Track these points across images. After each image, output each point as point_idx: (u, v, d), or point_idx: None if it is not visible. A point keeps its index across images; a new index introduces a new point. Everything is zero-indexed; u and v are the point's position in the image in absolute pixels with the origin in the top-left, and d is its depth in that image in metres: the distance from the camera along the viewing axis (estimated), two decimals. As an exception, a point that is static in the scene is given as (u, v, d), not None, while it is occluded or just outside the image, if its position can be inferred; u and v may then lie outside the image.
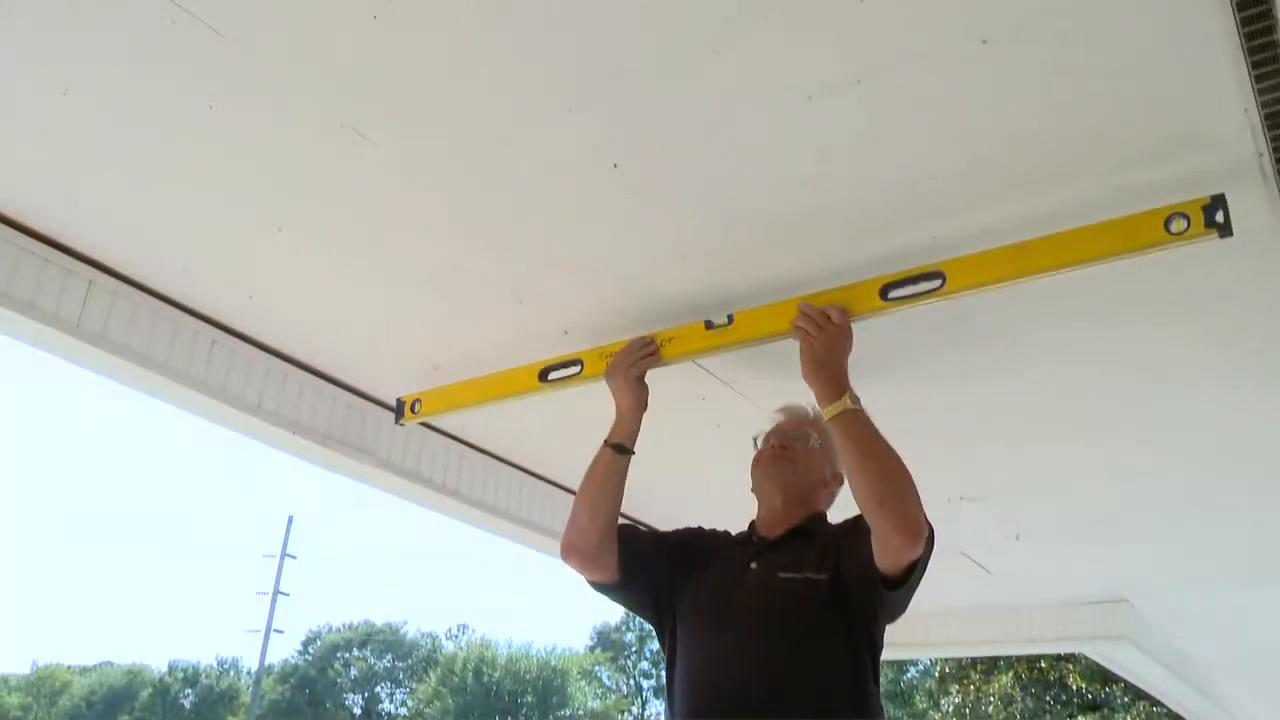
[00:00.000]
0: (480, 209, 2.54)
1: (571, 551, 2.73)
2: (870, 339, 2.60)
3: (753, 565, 2.59)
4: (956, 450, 3.68)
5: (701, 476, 3.96)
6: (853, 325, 2.56)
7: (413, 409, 3.46)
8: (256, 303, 3.09)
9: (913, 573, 2.37)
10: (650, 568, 2.75)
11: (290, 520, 44.41)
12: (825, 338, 2.51)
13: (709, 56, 2.01)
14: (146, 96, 2.26)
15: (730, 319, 2.78)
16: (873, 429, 2.40)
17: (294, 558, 42.33)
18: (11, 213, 2.73)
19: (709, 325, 2.80)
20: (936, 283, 2.46)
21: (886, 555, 2.34)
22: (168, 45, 2.08)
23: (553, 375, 3.06)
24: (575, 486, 2.80)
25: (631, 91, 2.12)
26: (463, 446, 4.01)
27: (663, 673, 2.71)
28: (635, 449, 2.78)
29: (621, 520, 2.78)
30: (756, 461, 2.79)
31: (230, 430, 3.53)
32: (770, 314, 2.71)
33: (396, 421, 3.51)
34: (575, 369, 3.02)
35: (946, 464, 3.75)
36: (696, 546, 2.77)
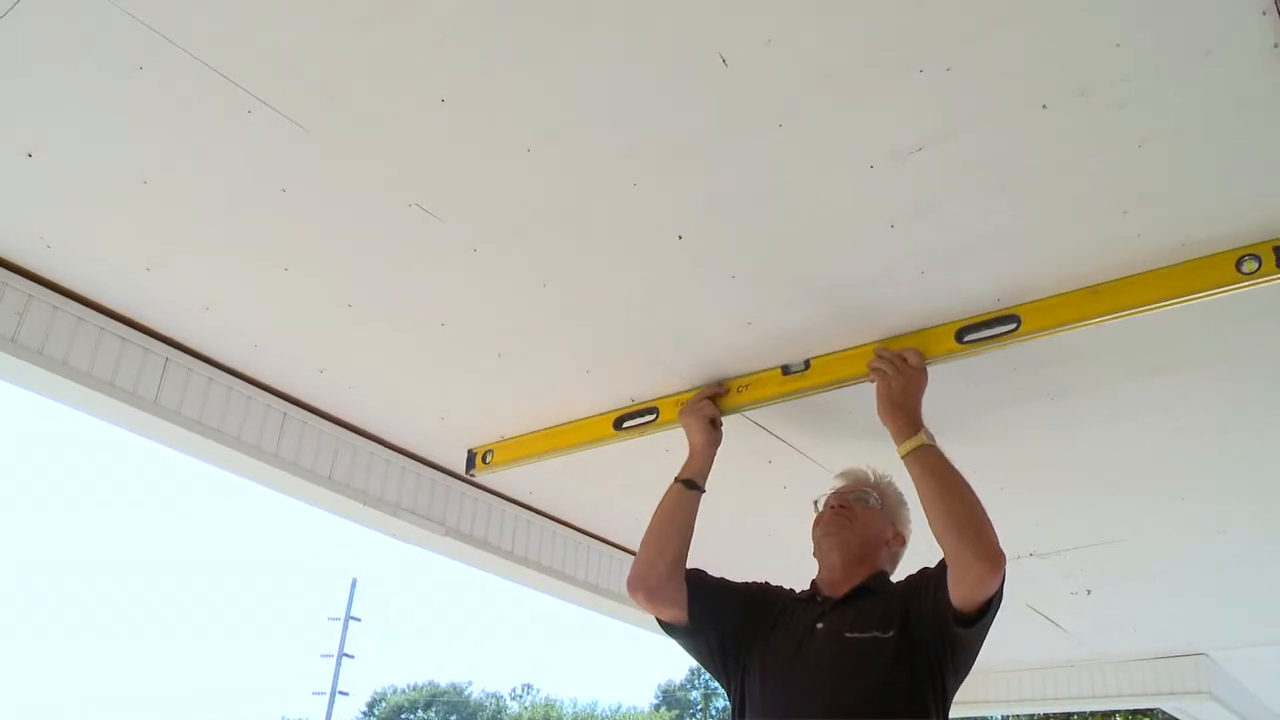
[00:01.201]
0: (545, 283, 2.58)
1: (638, 585, 2.74)
2: (940, 395, 2.60)
3: (819, 625, 2.57)
4: (1026, 506, 3.63)
5: (768, 537, 3.95)
6: (929, 369, 2.59)
7: (484, 459, 3.45)
8: (327, 377, 3.15)
9: (987, 610, 2.36)
10: (719, 613, 2.74)
11: (354, 583, 44.71)
12: (902, 379, 2.54)
13: (773, 130, 2.04)
14: (221, 182, 2.33)
15: (807, 364, 2.80)
16: (948, 463, 2.43)
17: (358, 620, 42.41)
18: (92, 294, 2.83)
19: (786, 371, 2.82)
20: (1012, 325, 2.49)
21: (964, 587, 2.33)
22: (243, 133, 2.16)
23: (627, 424, 3.08)
24: (638, 548, 2.82)
25: (697, 164, 2.16)
26: (529, 512, 4.03)
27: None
28: (706, 488, 2.80)
29: (692, 566, 2.78)
30: (816, 522, 2.80)
31: (302, 502, 3.58)
32: (847, 359, 2.74)
33: (467, 471, 3.50)
34: (650, 417, 3.04)
35: (1016, 520, 3.69)
36: (765, 601, 2.76)
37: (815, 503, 2.85)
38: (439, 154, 2.19)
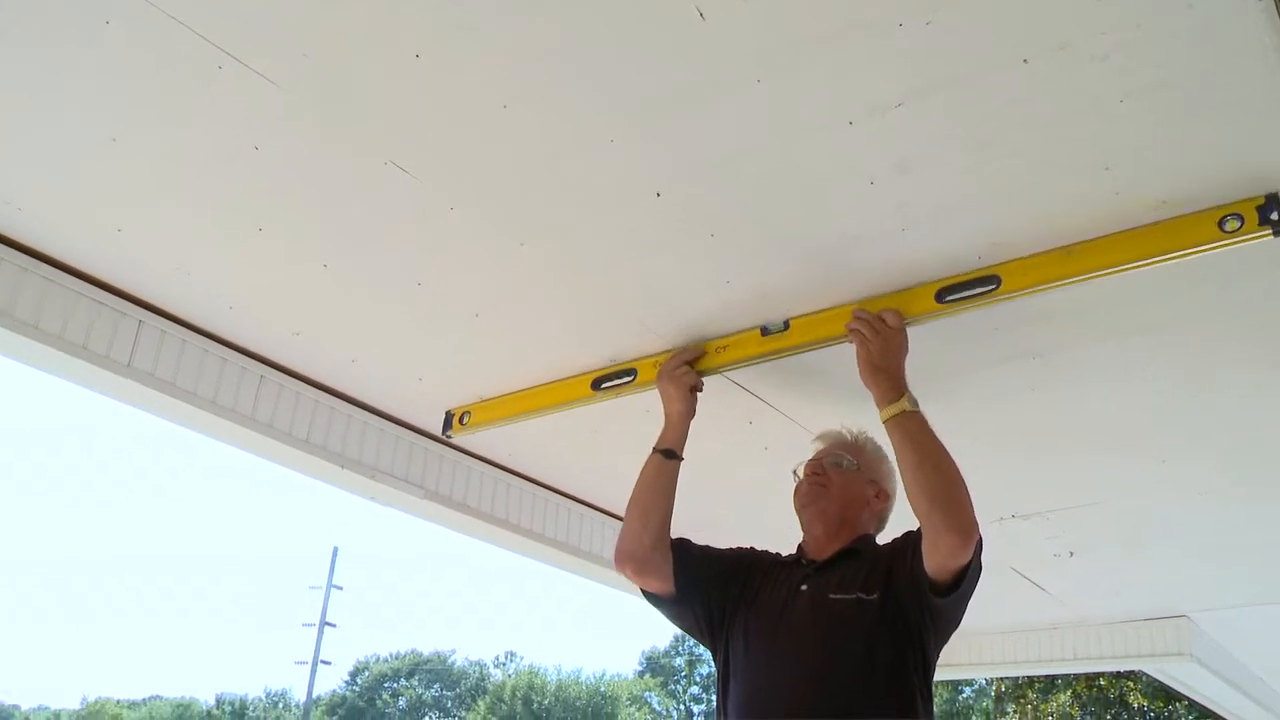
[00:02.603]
0: (523, 242, 2.57)
1: (625, 559, 2.77)
2: (921, 355, 2.60)
3: (803, 587, 2.60)
4: (1008, 467, 3.66)
5: (749, 499, 3.96)
6: (909, 330, 2.59)
7: (461, 420, 3.45)
8: (303, 339, 3.14)
9: (963, 579, 2.39)
10: (706, 582, 2.77)
11: (335, 551, 44.79)
12: (881, 341, 2.53)
13: (750, 85, 2.04)
14: (192, 141, 2.32)
15: (786, 325, 2.79)
16: (930, 431, 2.44)
17: (340, 589, 42.53)
18: (65, 258, 2.81)
19: (765, 331, 2.82)
20: (992, 285, 2.48)
21: (937, 556, 2.37)
22: (214, 90, 2.14)
23: (606, 385, 3.08)
24: (623, 512, 2.83)
25: (674, 121, 2.15)
26: (510, 475, 4.04)
27: (713, 697, 2.72)
28: (684, 455, 2.81)
29: (677, 536, 2.80)
30: (795, 493, 2.82)
31: (278, 465, 3.58)
32: (826, 319, 2.73)
33: (444, 433, 3.50)
34: (629, 378, 3.04)
35: (998, 481, 3.73)
36: (749, 566, 2.79)
37: (794, 472, 2.87)
38: (414, 111, 2.18)
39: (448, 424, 3.48)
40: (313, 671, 40.07)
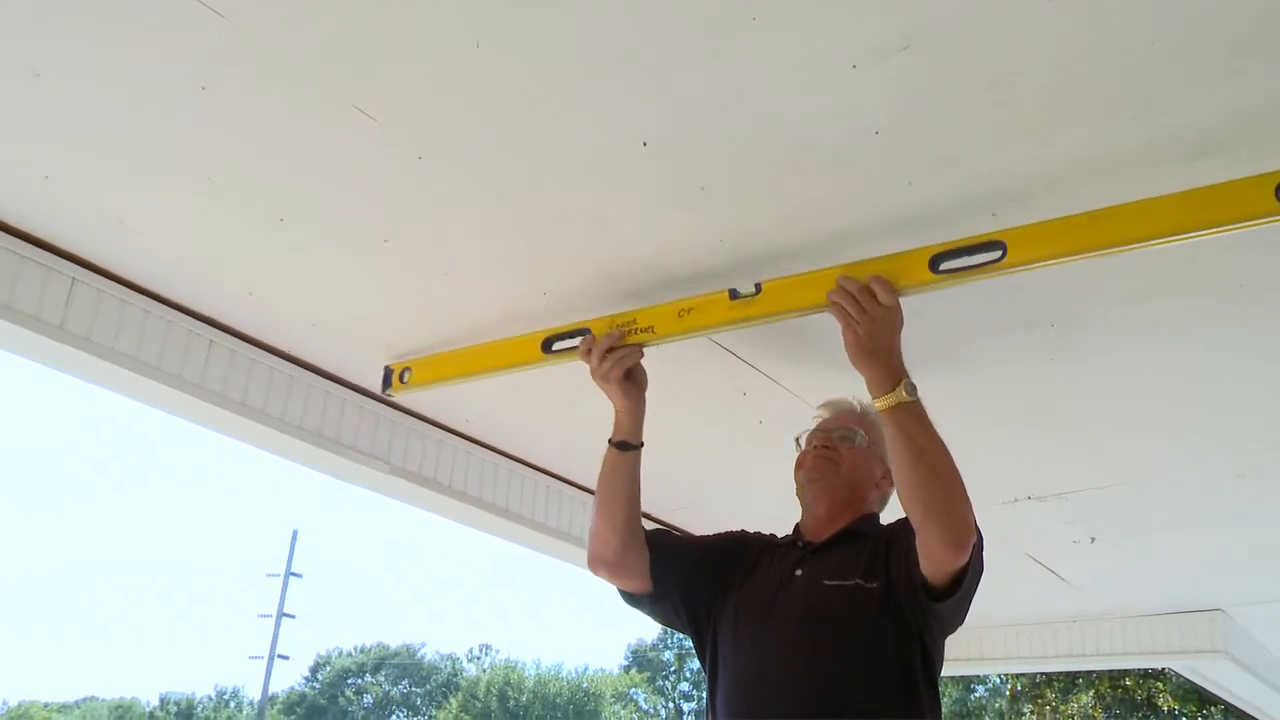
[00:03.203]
0: (499, 194, 2.57)
1: (597, 562, 2.80)
2: (924, 322, 2.59)
3: (798, 572, 2.61)
4: (1022, 444, 3.68)
5: (746, 479, 3.98)
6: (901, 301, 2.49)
7: (402, 378, 3.37)
8: (257, 299, 3.13)
9: (960, 584, 2.41)
10: (686, 576, 2.78)
11: (295, 535, 44.59)
12: (870, 322, 2.42)
13: (746, 24, 2.03)
14: (129, 77, 2.28)
15: (758, 288, 2.68)
16: (928, 425, 2.39)
17: (299, 576, 42.62)
18: (-15, 208, 2.77)
19: (734, 295, 2.71)
20: (996, 254, 2.37)
21: (931, 563, 2.39)
22: (153, 20, 2.10)
23: (557, 345, 3.01)
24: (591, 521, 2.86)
25: (664, 62, 2.14)
26: (484, 450, 4.06)
27: (704, 695, 2.74)
28: (644, 440, 2.81)
29: (657, 527, 2.81)
30: (798, 465, 2.82)
31: (230, 437, 3.59)
32: (805, 284, 2.62)
33: (383, 391, 3.42)
34: (581, 338, 2.94)
35: (1011, 460, 3.75)
36: (737, 551, 2.80)
37: (796, 440, 2.87)
38: (378, 48, 2.16)
39: (387, 381, 3.41)
40: (269, 666, 40.17)
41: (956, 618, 2.49)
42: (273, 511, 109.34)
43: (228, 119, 2.38)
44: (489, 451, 4.07)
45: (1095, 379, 3.22)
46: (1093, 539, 4.47)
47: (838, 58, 2.10)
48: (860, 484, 2.75)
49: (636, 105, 2.26)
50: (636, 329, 2.82)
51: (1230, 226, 2.13)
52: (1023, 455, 3.75)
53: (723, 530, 2.94)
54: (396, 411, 3.74)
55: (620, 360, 2.78)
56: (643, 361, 2.86)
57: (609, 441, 2.81)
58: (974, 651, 5.99)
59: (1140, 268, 2.64)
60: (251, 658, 41.52)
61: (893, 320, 2.43)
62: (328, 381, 3.57)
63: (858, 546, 2.61)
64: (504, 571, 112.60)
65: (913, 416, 2.38)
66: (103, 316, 3.02)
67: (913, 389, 2.40)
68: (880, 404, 2.41)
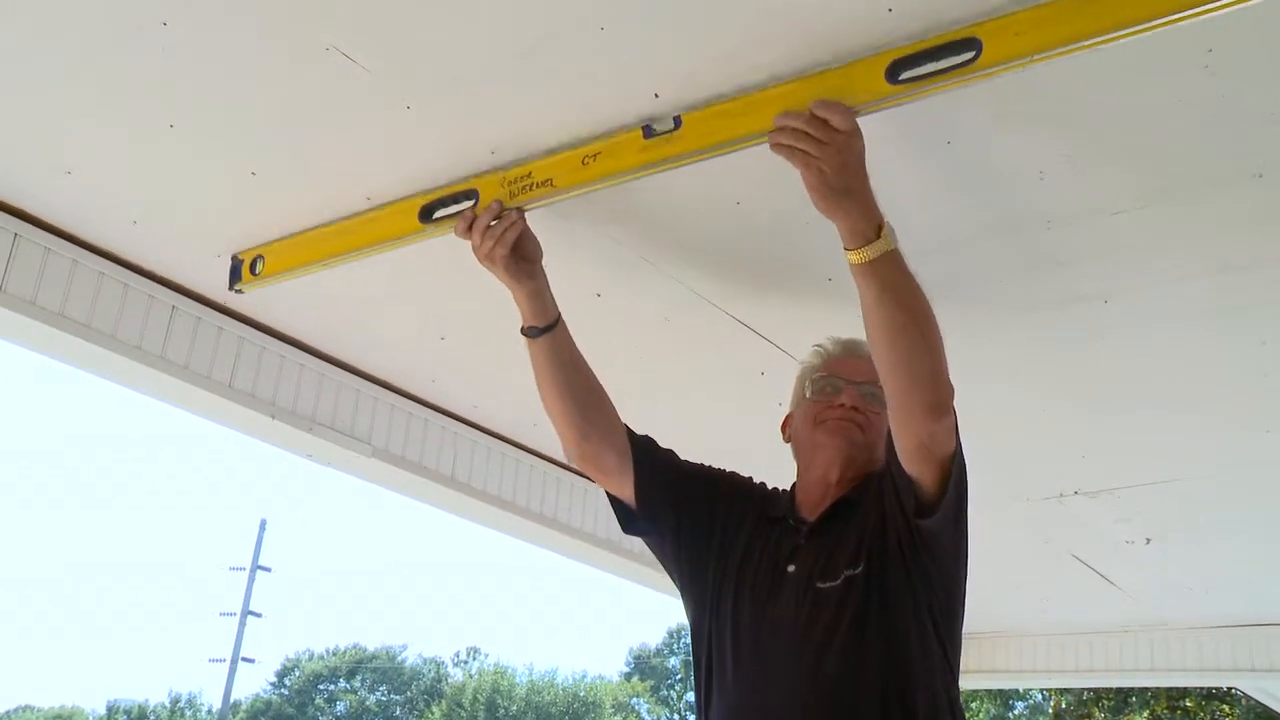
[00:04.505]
0: (494, 149, 2.57)
1: (575, 459, 2.82)
2: (960, 287, 2.53)
3: (790, 568, 2.59)
4: (1069, 432, 3.69)
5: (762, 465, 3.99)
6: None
7: (253, 269, 3.11)
8: (225, 262, 3.13)
9: (947, 486, 2.38)
10: (677, 503, 2.77)
11: (263, 525, 44.59)
12: (835, 153, 2.16)
13: None
14: (81, 8, 2.26)
15: (677, 122, 2.45)
16: (911, 276, 2.28)
17: (267, 570, 42.74)
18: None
19: (648, 133, 2.48)
20: (968, 55, 2.09)
21: (916, 445, 2.36)
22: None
23: (439, 213, 2.77)
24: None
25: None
26: (476, 431, 4.09)
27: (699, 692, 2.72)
28: (554, 317, 2.72)
29: (644, 434, 2.81)
30: (818, 420, 2.70)
31: (195, 414, 3.62)
32: (734, 112, 2.37)
33: (231, 287, 3.16)
34: (468, 203, 2.72)
35: (1057, 450, 3.77)
36: (742, 500, 2.80)
37: (805, 386, 2.77)
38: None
39: (236, 275, 3.14)
40: (231, 670, 40.35)
41: (949, 543, 2.48)
42: (239, 500, 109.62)
43: (191, 60, 2.38)
44: (481, 433, 4.12)
45: (1153, 359, 3.23)
46: (1148, 540, 4.47)
47: None
48: (875, 447, 2.67)
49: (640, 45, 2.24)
50: (533, 183, 2.62)
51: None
52: (1071, 445, 3.75)
53: (714, 467, 2.90)
54: (377, 387, 3.77)
55: (502, 236, 2.60)
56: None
57: (520, 331, 2.74)
58: (1012, 663, 5.88)
59: (1203, 235, 2.64)
60: (212, 660, 41.84)
61: (858, 147, 2.19)
62: (302, 353, 3.60)
63: (849, 522, 2.58)
64: (494, 566, 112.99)
65: (898, 267, 2.26)
66: (50, 278, 3.03)
67: (893, 234, 2.24)
68: (860, 256, 2.23)
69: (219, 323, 3.40)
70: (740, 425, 3.65)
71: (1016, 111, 2.35)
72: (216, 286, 3.19)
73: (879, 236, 2.22)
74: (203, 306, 3.36)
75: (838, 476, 2.67)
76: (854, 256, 2.23)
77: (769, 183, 2.57)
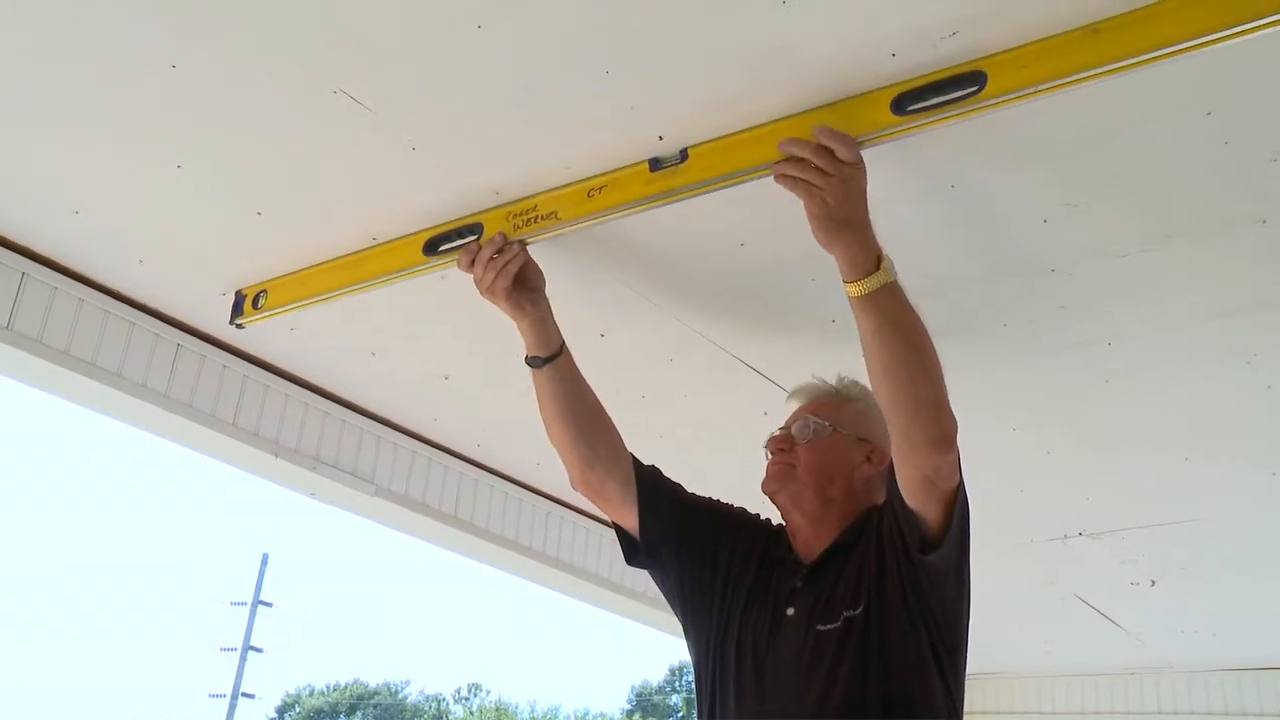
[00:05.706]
0: (498, 191, 2.59)
1: (579, 486, 2.80)
2: (968, 332, 2.55)
3: (789, 611, 2.58)
4: (1075, 473, 3.68)
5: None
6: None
7: (255, 304, 3.12)
8: (229, 301, 3.15)
9: (950, 521, 2.35)
10: (688, 543, 2.75)
11: (265, 560, 44.46)
12: (838, 185, 2.19)
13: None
14: (93, 52, 2.29)
15: (684, 155, 2.47)
16: (910, 309, 2.27)
17: (268, 605, 42.55)
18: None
19: (655, 166, 2.50)
20: (973, 88, 2.12)
21: (920, 479, 2.32)
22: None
23: (444, 247, 2.78)
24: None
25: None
26: (478, 470, 4.10)
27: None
28: (559, 347, 2.72)
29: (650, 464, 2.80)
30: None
31: (199, 452, 3.62)
32: (740, 144, 2.40)
33: (232, 322, 3.18)
34: (472, 238, 2.73)
35: (1062, 490, 3.77)
36: (748, 539, 2.76)
37: (766, 449, 2.77)
38: (369, 27, 2.18)
39: (238, 309, 3.16)
40: (231, 706, 40.08)
41: (954, 577, 2.44)
42: (241, 534, 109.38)
43: (199, 102, 2.40)
44: (484, 473, 4.12)
45: (1157, 402, 3.23)
46: (1153, 582, 4.46)
47: None
48: (831, 479, 2.63)
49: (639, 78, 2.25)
50: (538, 216, 2.63)
51: (1270, 20, 1.85)
52: (1075, 486, 3.75)
53: (719, 500, 2.88)
54: (380, 425, 3.78)
55: (504, 268, 2.61)
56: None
57: (525, 361, 2.75)
58: (1016, 704, 5.83)
59: (1207, 278, 2.66)
60: (212, 696, 41.38)
61: (860, 180, 2.22)
62: (307, 392, 3.62)
63: (846, 563, 2.54)
64: (496, 603, 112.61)
65: (897, 299, 2.26)
66: (56, 316, 3.05)
67: (892, 266, 2.25)
68: (860, 289, 2.24)
69: (224, 360, 3.41)
70: (742, 465, 3.65)
71: (1019, 156, 2.37)
72: (221, 325, 3.21)
73: (878, 269, 2.22)
74: (207, 344, 3.38)
75: (800, 517, 2.65)
76: (853, 289, 2.24)
77: (773, 224, 2.60)
